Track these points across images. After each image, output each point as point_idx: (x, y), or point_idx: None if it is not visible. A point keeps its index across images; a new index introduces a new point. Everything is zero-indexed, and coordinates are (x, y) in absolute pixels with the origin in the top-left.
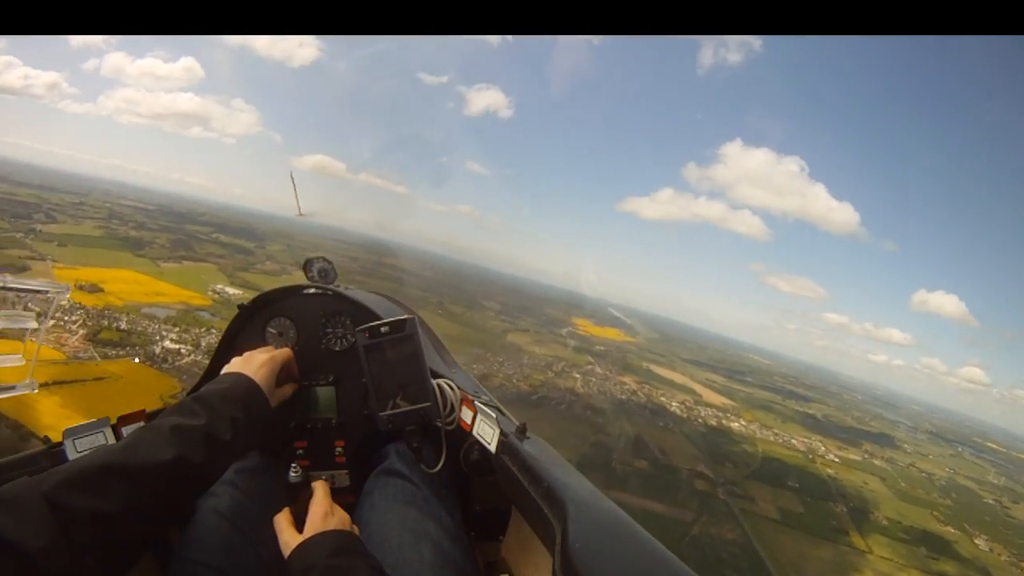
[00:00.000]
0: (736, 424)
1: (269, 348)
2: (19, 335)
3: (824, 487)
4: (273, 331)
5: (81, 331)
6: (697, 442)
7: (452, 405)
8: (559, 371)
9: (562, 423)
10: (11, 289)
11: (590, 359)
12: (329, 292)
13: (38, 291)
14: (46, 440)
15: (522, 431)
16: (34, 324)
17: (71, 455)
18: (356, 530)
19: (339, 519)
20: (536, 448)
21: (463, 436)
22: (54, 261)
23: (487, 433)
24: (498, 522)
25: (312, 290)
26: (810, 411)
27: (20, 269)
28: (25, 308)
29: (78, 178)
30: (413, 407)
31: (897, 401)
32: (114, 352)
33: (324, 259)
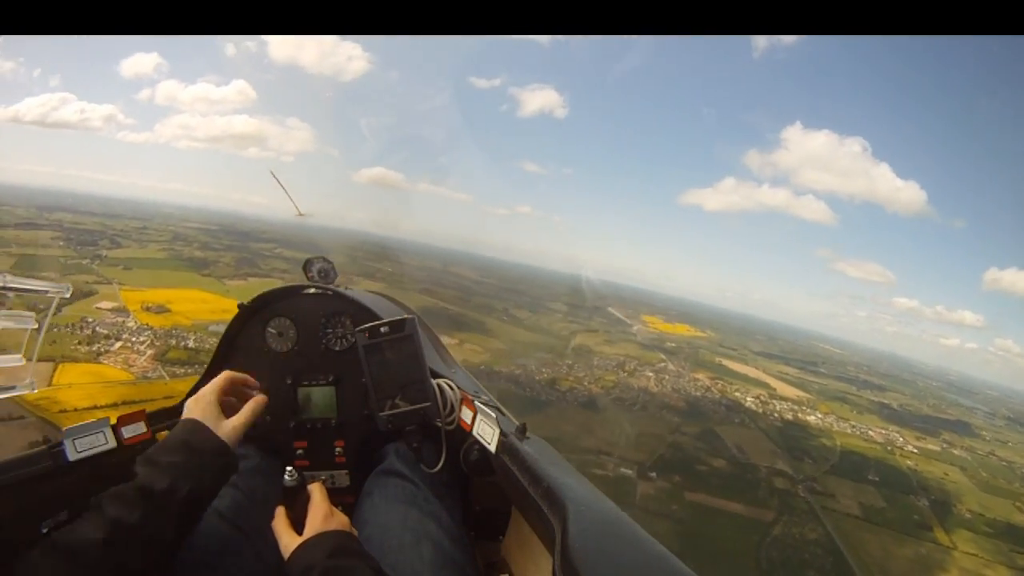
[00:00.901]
0: (812, 417)
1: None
2: (19, 335)
3: (905, 480)
4: (273, 331)
5: (149, 351)
6: (774, 437)
7: (452, 405)
8: (631, 370)
9: (638, 424)
10: (11, 289)
11: (662, 356)
12: (329, 292)
13: (38, 291)
14: (46, 440)
15: (522, 431)
16: (34, 324)
17: (71, 455)
18: (355, 532)
19: (339, 521)
20: (536, 448)
21: (463, 436)
22: (120, 284)
23: (487, 433)
24: (498, 522)
25: (312, 290)
26: (885, 400)
27: (88, 294)
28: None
29: (141, 204)
30: (413, 407)
31: (972, 386)
32: (182, 371)
33: (324, 259)
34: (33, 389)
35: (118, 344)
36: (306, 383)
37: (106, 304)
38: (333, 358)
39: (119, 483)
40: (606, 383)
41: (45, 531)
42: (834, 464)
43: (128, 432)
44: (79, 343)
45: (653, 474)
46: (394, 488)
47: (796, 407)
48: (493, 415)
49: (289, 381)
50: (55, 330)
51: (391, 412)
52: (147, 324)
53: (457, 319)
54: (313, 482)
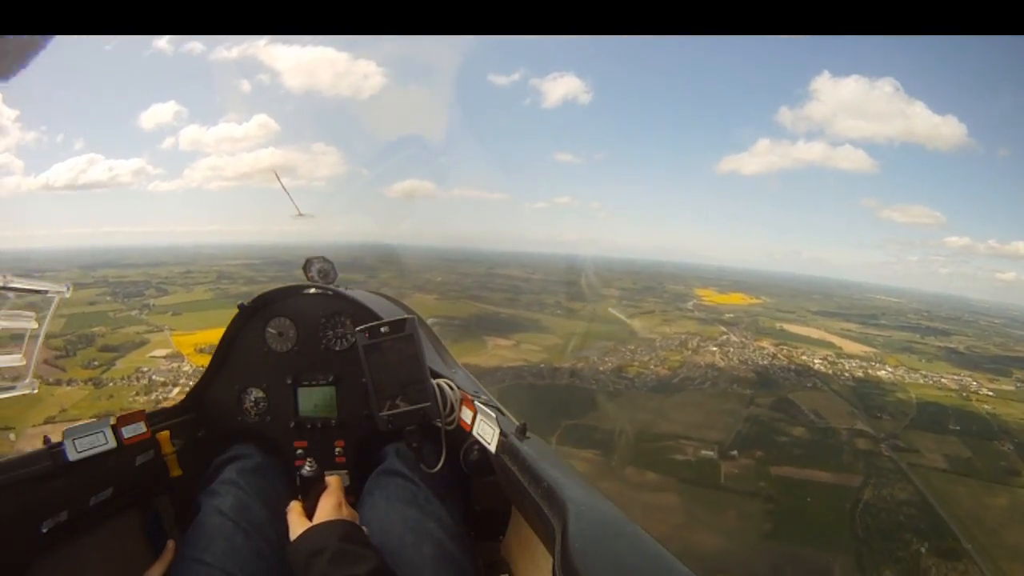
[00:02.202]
0: (883, 372)
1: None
2: (19, 335)
3: (986, 426)
4: (273, 331)
5: None
6: (849, 398)
7: (452, 405)
8: (695, 348)
9: (711, 403)
10: (11, 289)
11: (722, 329)
12: (329, 292)
13: (38, 291)
14: (46, 440)
15: (522, 431)
16: (34, 324)
17: (71, 455)
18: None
19: (349, 513)
20: (536, 448)
21: (463, 436)
22: (171, 330)
23: (487, 433)
24: (498, 522)
25: (312, 290)
26: (951, 345)
27: (139, 344)
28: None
29: (182, 249)
30: (413, 407)
31: None
32: None
33: (324, 259)
34: (34, 389)
35: (176, 390)
36: (306, 383)
37: (160, 352)
38: (333, 358)
39: (119, 483)
40: (672, 364)
41: (45, 531)
42: (913, 418)
43: (128, 432)
44: (136, 394)
45: (734, 452)
46: (394, 488)
47: (865, 363)
48: (493, 415)
49: (289, 381)
50: (111, 384)
51: (391, 412)
52: (202, 366)
53: (510, 321)
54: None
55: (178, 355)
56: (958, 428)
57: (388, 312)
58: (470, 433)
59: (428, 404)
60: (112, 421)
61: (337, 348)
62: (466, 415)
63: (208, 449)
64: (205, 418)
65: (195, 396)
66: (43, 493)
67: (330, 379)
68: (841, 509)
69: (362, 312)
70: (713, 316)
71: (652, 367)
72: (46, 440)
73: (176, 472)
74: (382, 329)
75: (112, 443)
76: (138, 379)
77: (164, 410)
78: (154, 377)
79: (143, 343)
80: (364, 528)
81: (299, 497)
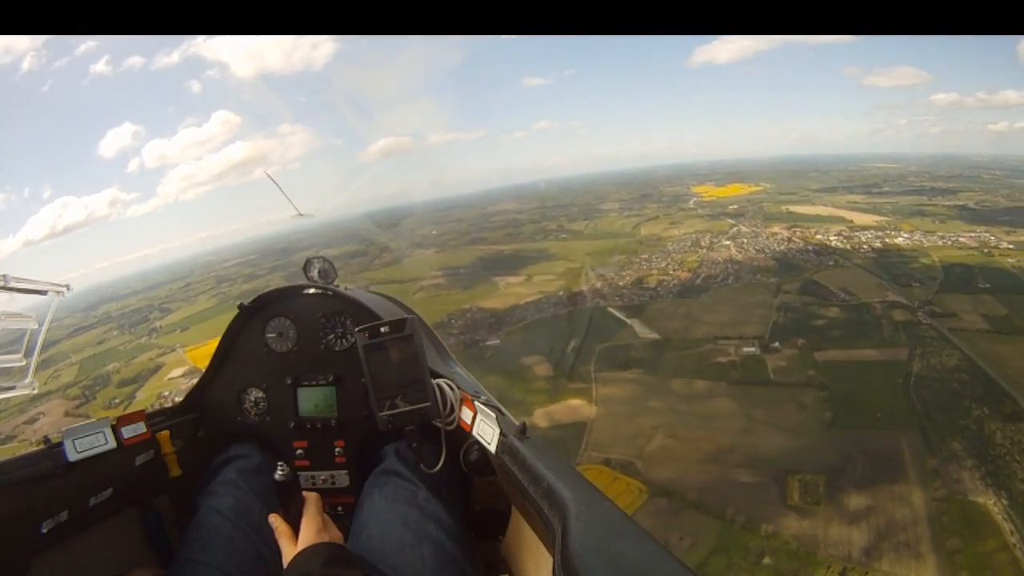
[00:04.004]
0: (900, 239)
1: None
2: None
3: (1015, 280)
4: (273, 331)
5: None
6: (874, 270)
7: (452, 405)
8: (708, 245)
9: (739, 298)
10: (11, 288)
11: (730, 221)
12: (329, 292)
13: (38, 291)
14: (46, 440)
15: (522, 431)
16: (34, 324)
17: (71, 455)
18: (346, 544)
19: (331, 535)
20: (536, 448)
21: (463, 436)
22: (183, 346)
23: (487, 433)
24: (498, 522)
25: (312, 290)
26: (960, 203)
27: (154, 370)
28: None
29: (176, 264)
30: (413, 407)
31: None
32: None
33: (324, 259)
34: (34, 389)
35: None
36: (306, 383)
37: (176, 372)
38: (333, 358)
39: (119, 483)
40: (690, 265)
41: (45, 531)
42: (941, 281)
43: (128, 432)
44: None
45: (776, 344)
46: (394, 488)
47: (880, 233)
48: (493, 415)
49: (289, 381)
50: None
51: (391, 412)
52: None
53: (516, 257)
54: (307, 484)
55: (195, 370)
56: (988, 286)
57: (388, 312)
58: (470, 433)
59: (428, 404)
60: (112, 421)
61: (337, 348)
62: (466, 415)
63: (208, 449)
64: (205, 418)
65: (195, 396)
66: (43, 493)
67: (330, 379)
68: (894, 386)
69: (362, 312)
70: (717, 211)
71: (671, 272)
72: (46, 440)
73: (176, 472)
74: (382, 329)
75: (112, 443)
76: (161, 404)
77: (164, 410)
78: (176, 399)
79: (158, 367)
80: (363, 530)
81: (280, 504)
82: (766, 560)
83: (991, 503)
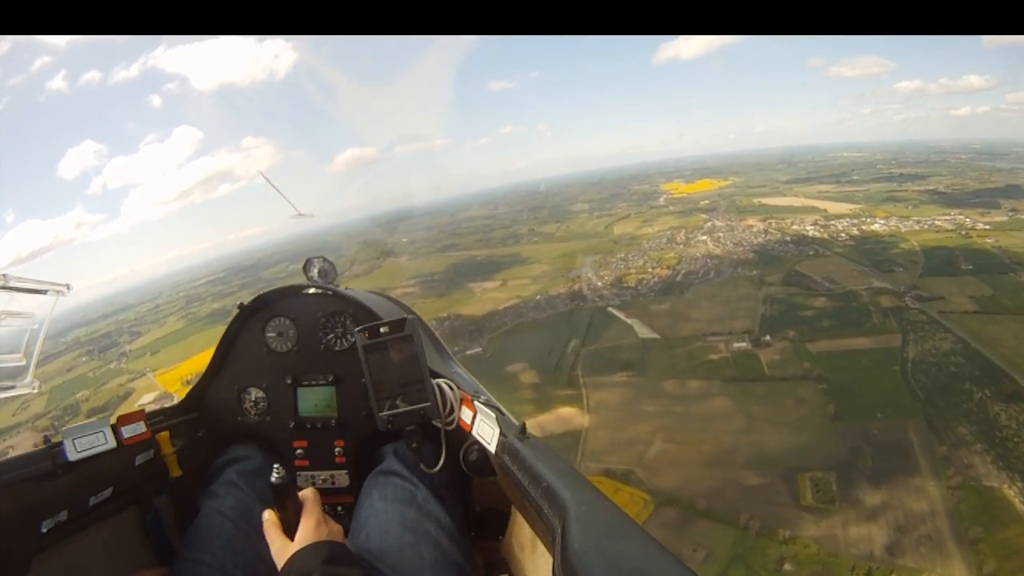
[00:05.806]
0: (876, 226)
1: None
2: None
3: (995, 260)
4: (273, 331)
5: None
6: (854, 257)
7: (452, 405)
8: (685, 241)
9: (722, 292)
10: (11, 288)
11: (703, 216)
12: (329, 292)
13: (38, 291)
14: (46, 440)
15: (522, 431)
16: (34, 324)
17: (71, 455)
18: (347, 541)
19: (331, 530)
20: (536, 448)
21: (463, 436)
22: (153, 370)
23: (487, 433)
24: (498, 522)
25: (312, 290)
26: (931, 187)
27: (124, 396)
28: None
29: (145, 286)
30: (413, 407)
31: (999, 148)
32: None
33: (324, 259)
34: (34, 389)
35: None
36: (306, 383)
37: (147, 397)
38: (333, 358)
39: (119, 483)
40: (669, 262)
41: (45, 531)
42: (924, 265)
43: (128, 432)
44: None
45: (767, 338)
46: (394, 488)
47: (856, 221)
48: (493, 415)
49: (289, 381)
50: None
51: (391, 412)
52: None
53: (489, 262)
54: (306, 484)
55: (167, 395)
56: (971, 267)
57: (388, 312)
58: (470, 433)
59: (428, 404)
60: (112, 421)
61: (337, 348)
62: (466, 415)
63: (208, 449)
64: (205, 418)
65: (195, 396)
66: (43, 493)
67: (330, 379)
68: (892, 373)
69: (362, 312)
70: (689, 207)
71: (650, 270)
72: (46, 440)
73: (176, 472)
74: (382, 329)
75: (112, 443)
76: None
77: (164, 410)
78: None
79: (128, 394)
80: (362, 529)
81: (275, 504)
82: (787, 567)
83: (1006, 487)
